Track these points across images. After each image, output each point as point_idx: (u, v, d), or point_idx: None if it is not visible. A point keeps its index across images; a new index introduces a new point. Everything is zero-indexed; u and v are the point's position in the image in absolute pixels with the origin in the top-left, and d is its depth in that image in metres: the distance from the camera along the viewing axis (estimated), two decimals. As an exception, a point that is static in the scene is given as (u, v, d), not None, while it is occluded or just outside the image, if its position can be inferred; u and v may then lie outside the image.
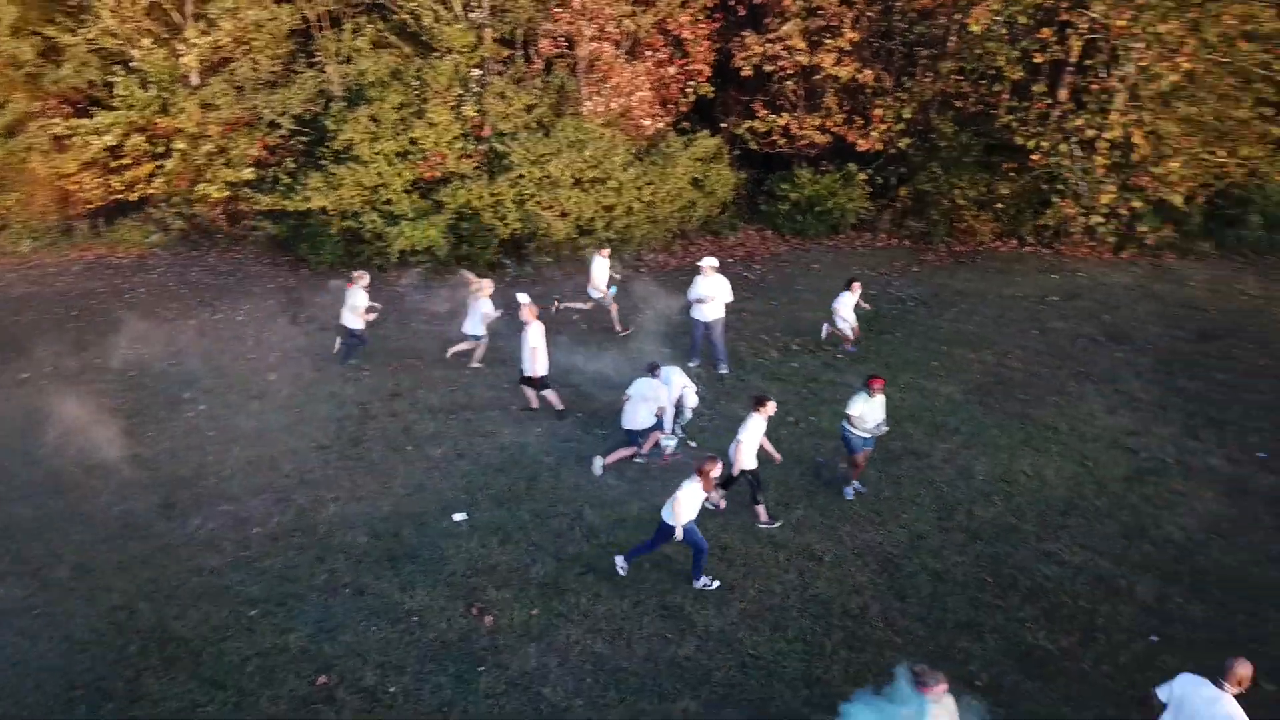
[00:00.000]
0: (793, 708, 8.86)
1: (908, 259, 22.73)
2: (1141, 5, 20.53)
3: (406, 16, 22.21)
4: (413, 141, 21.15)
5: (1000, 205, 23.63)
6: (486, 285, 15.87)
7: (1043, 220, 23.34)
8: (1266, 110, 22.30)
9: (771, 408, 11.63)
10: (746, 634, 9.80)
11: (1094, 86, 21.95)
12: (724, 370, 15.92)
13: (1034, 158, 22.38)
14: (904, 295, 20.16)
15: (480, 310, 15.59)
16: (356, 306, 15.88)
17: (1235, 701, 7.22)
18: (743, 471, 11.51)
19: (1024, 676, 9.27)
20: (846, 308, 16.72)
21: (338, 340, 16.37)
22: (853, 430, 11.94)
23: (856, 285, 16.89)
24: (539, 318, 14.03)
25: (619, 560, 10.69)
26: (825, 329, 17.06)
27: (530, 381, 14.11)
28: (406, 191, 21.27)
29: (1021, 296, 20.09)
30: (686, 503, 10.11)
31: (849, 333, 16.82)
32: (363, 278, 16.18)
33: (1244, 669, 7.26)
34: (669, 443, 13.11)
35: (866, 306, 17.31)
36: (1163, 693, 7.63)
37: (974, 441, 13.77)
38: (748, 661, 9.44)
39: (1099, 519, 11.94)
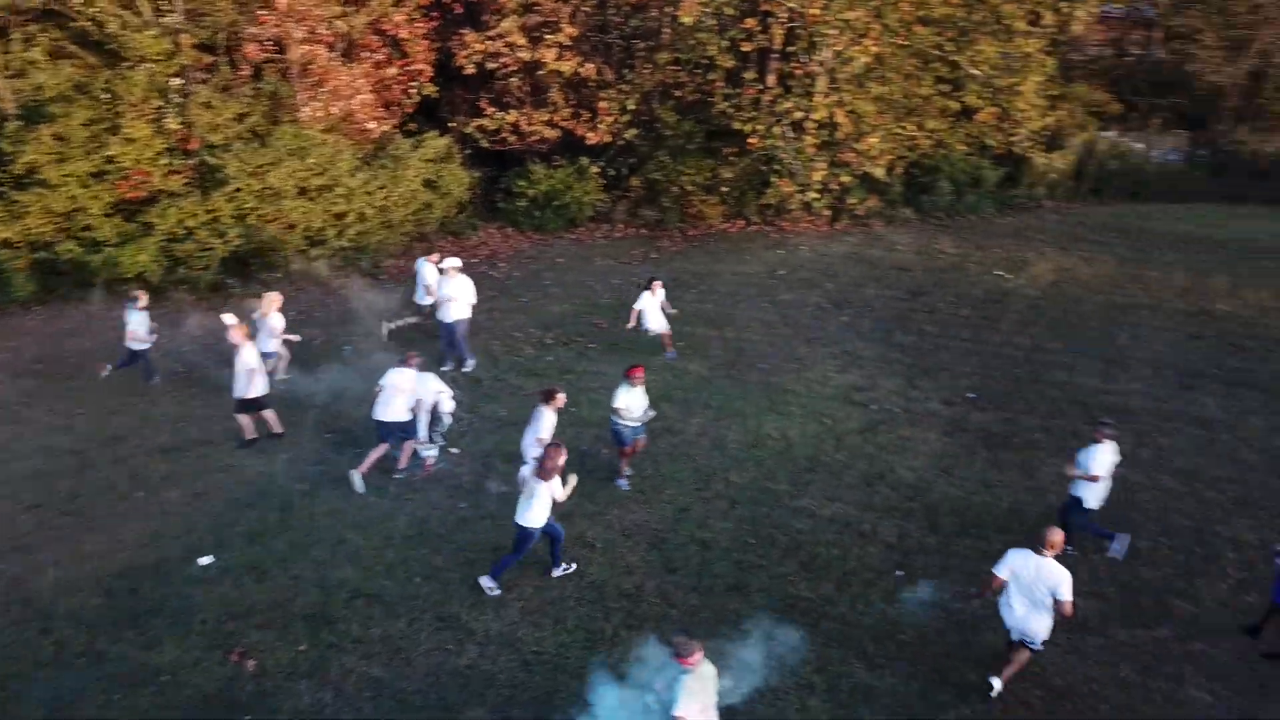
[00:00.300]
0: (580, 697, 8.88)
1: (645, 246, 23.41)
2: (832, -5, 22.19)
3: (87, 24, 20.19)
4: (109, 160, 19.26)
5: (725, 189, 24.86)
6: (271, 299, 14.94)
7: (765, 200, 24.79)
8: (944, 87, 24.87)
9: (561, 400, 11.63)
10: (527, 632, 9.72)
11: (798, 71, 23.51)
12: (469, 367, 15.71)
13: (751, 141, 23.68)
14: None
15: (269, 325, 14.67)
16: (136, 329, 14.96)
17: (1055, 561, 8.58)
18: None
19: (790, 626, 9.78)
20: (652, 310, 15.94)
21: (109, 367, 15.48)
22: (621, 421, 12.12)
23: (657, 284, 16.09)
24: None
25: (486, 581, 10.23)
26: (671, 353, 16.26)
27: (246, 406, 13.24)
28: (108, 215, 19.38)
29: (753, 273, 21.21)
30: (541, 502, 9.93)
31: (654, 330, 16.03)
32: (142, 297, 15.13)
33: (1055, 535, 8.65)
34: (429, 452, 12.76)
35: (673, 311, 16.65)
36: (1000, 570, 8.78)
37: (724, 414, 14.39)
38: (530, 659, 9.37)
39: (841, 470, 12.83)
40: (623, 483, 12.37)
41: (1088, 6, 26.24)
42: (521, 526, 10.02)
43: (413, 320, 17.27)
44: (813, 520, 11.68)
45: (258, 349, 13.68)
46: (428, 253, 17.49)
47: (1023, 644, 8.86)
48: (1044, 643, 8.83)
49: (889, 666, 9.30)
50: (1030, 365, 16.23)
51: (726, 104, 23.93)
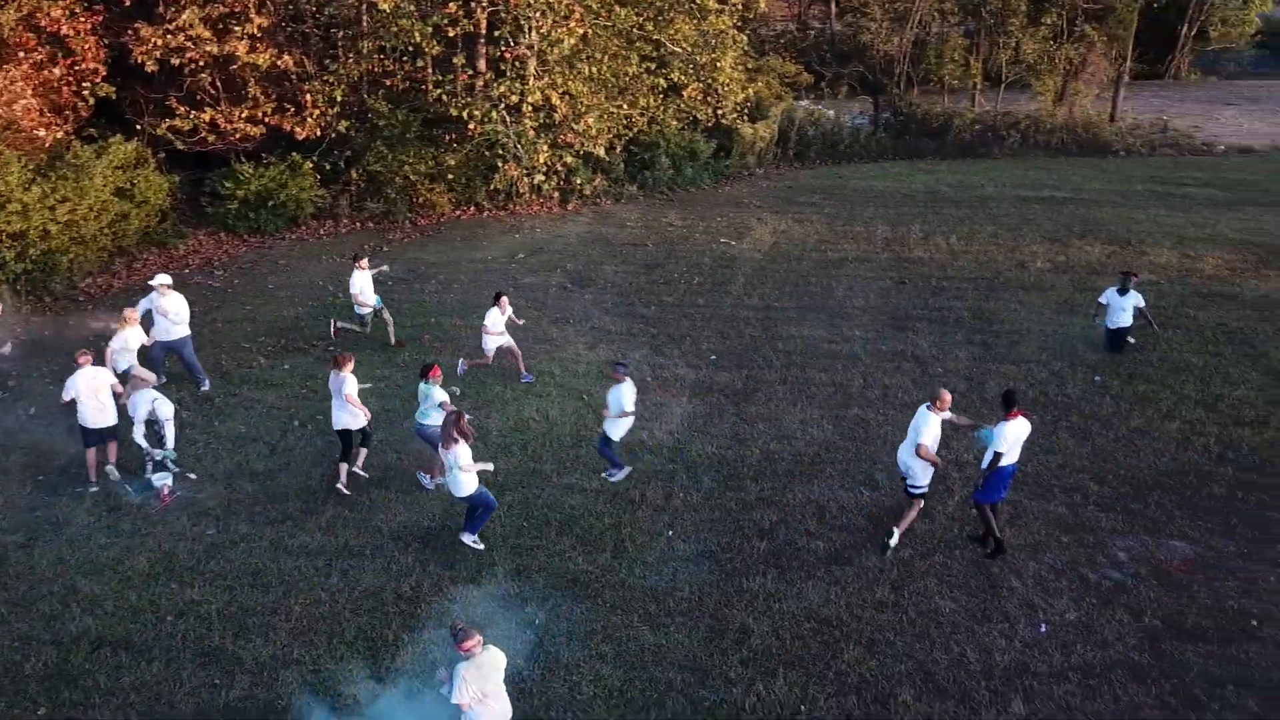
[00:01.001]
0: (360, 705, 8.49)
1: (375, 240, 22.56)
2: (533, -22, 22.24)
3: None
4: None
5: (451, 176, 24.40)
6: (128, 316, 13.52)
7: (493, 185, 24.59)
8: (650, 65, 25.74)
9: (352, 362, 11.84)
10: (302, 651, 9.14)
11: (508, 55, 23.42)
12: (205, 387, 14.51)
13: (470, 127, 23.38)
14: (380, 277, 19.95)
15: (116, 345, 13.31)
16: None
17: (930, 414, 10.39)
18: (344, 431, 11.82)
19: (574, 601, 9.84)
20: (495, 324, 14.58)
21: None
22: (430, 424, 11.61)
23: (504, 300, 14.67)
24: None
25: (467, 537, 10.61)
26: (461, 365, 14.90)
27: None
28: None
29: (491, 259, 21.02)
30: (467, 466, 10.16)
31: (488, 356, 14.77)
32: None
33: (945, 396, 10.51)
34: (163, 481, 11.63)
35: (519, 321, 15.46)
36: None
37: (482, 401, 14.18)
38: (308, 678, 8.83)
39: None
40: (426, 480, 12.01)
41: (775, -13, 28.10)
42: (467, 499, 10.46)
43: (354, 328, 16.55)
44: (583, 495, 11.79)
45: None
46: (356, 259, 16.32)
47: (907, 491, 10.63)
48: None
49: (672, 623, 9.58)
50: (763, 324, 17.20)
51: (440, 91, 23.48)
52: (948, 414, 10.65)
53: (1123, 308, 15.29)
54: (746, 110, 28.79)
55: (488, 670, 7.22)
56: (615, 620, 9.61)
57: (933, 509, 11.40)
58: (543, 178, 24.38)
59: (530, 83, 23.32)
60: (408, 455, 12.63)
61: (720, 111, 27.24)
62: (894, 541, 10.66)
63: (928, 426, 10.38)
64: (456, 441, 10.14)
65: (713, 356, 15.82)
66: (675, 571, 10.40)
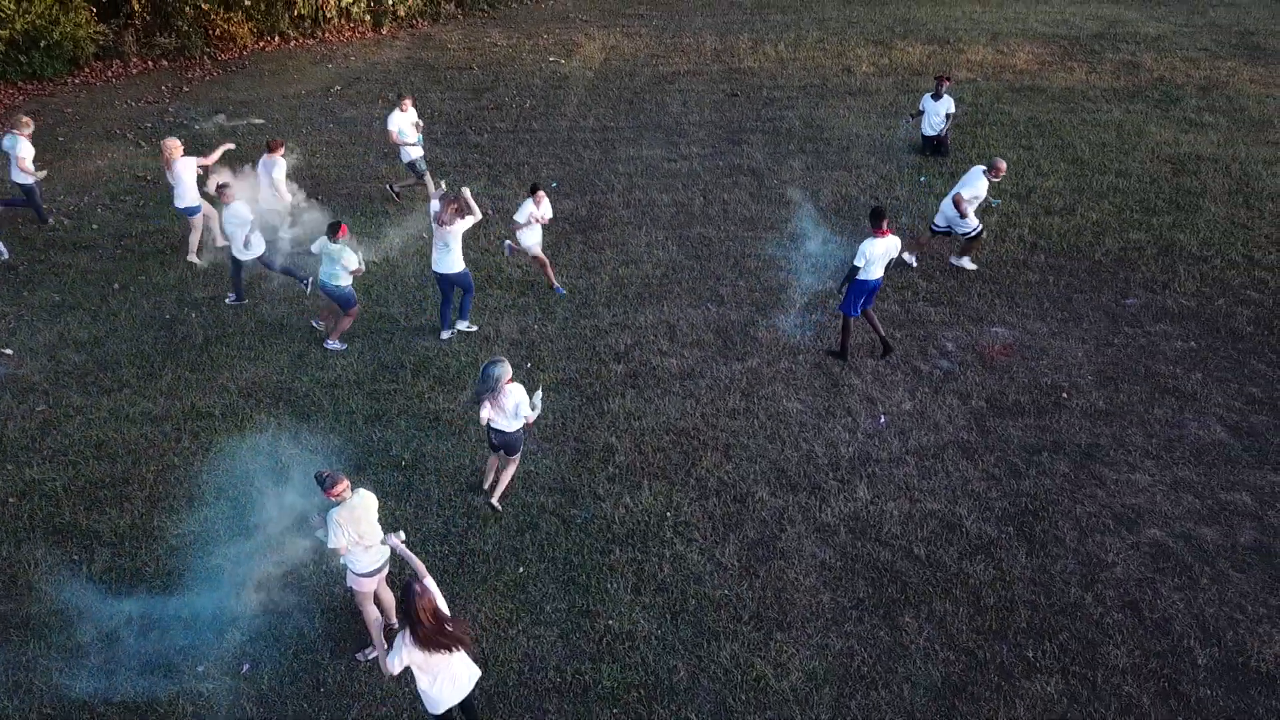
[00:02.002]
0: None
1: (174, 80, 20.65)
2: None
3: None
4: None
5: (249, 3, 22.32)
6: None
7: (298, 10, 22.71)
8: None
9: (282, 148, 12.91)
10: (163, 518, 8.91)
11: None
12: (4, 256, 13.30)
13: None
14: (183, 119, 18.43)
15: None
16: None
17: (984, 177, 12.24)
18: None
19: (439, 440, 9.90)
20: (524, 217, 12.00)
21: None
22: (335, 284, 11.00)
23: (541, 195, 12.00)
24: None
25: (462, 325, 11.52)
26: (508, 246, 12.65)
27: None
28: None
29: (305, 94, 19.66)
30: (455, 251, 10.99)
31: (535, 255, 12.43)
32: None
33: (1001, 165, 12.14)
34: (-27, 361, 10.79)
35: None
36: None
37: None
38: (173, 543, 8.66)
39: (450, 281, 12.79)
40: (333, 344, 11.48)
41: None
42: (441, 274, 11.13)
43: None
44: (435, 336, 11.64)
45: None
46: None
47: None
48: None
49: (539, 449, 9.81)
50: (601, 146, 16.95)
51: (226, -96, 21.16)
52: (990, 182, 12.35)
53: (936, 112, 15.80)
54: (564, -84, 27.27)
55: (360, 513, 7.23)
56: (482, 452, 9.75)
57: (775, 318, 11.87)
58: (351, 0, 22.65)
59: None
60: (256, 314, 12.08)
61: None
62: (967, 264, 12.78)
63: (977, 182, 12.22)
64: (448, 222, 10.78)
65: (554, 183, 15.55)
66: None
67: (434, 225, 11.04)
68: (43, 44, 20.15)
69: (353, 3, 22.76)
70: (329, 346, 11.45)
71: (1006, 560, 8.44)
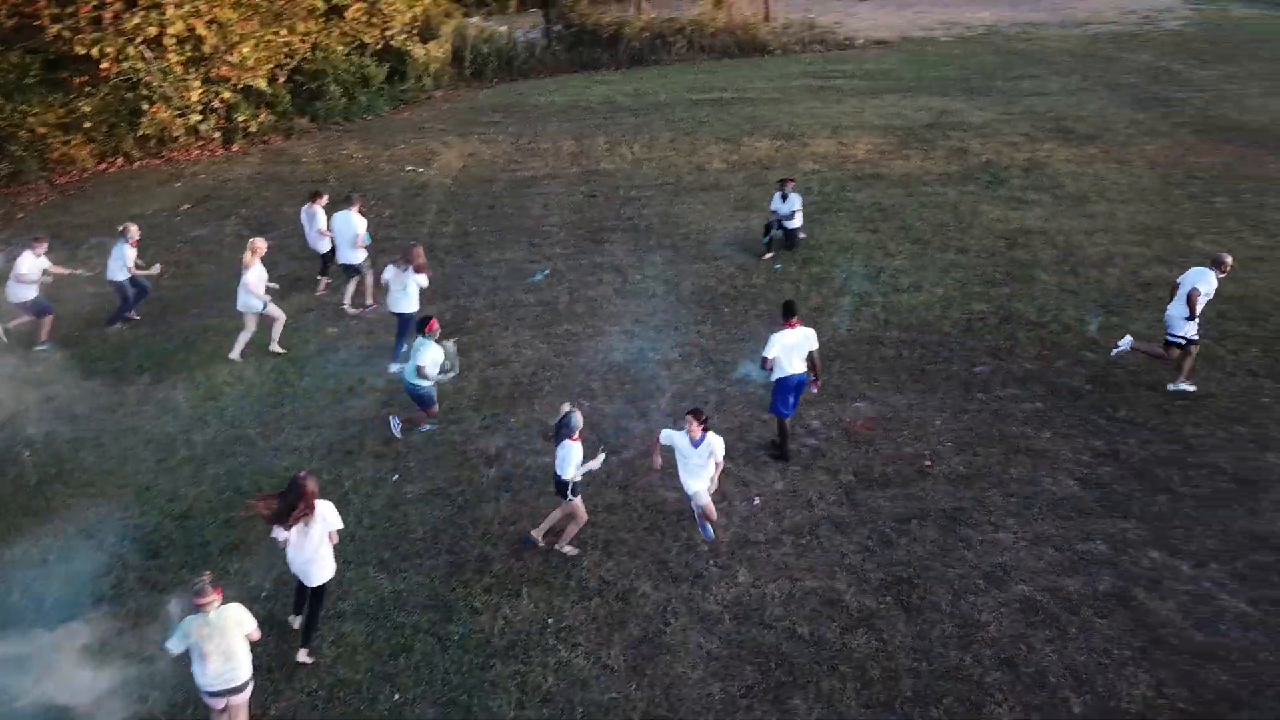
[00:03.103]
0: None
1: (5, 207, 19.75)
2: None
3: None
4: None
5: (90, 125, 21.70)
6: None
7: (142, 130, 22.17)
8: (307, -13, 23.95)
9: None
10: (-7, 683, 8.14)
11: (137, -20, 20.99)
12: None
13: (104, 67, 20.88)
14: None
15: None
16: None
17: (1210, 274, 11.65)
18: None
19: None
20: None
21: None
22: (423, 382, 11.08)
23: (433, 323, 11.37)
24: None
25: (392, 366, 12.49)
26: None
27: None
28: None
29: (153, 213, 19.08)
30: (411, 292, 12.39)
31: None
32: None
33: (1227, 260, 11.72)
34: None
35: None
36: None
37: (166, 373, 13.01)
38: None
39: (309, 397, 12.41)
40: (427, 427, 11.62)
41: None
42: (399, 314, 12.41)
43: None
44: (295, 455, 11.21)
45: None
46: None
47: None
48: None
49: (410, 566, 9.45)
50: (463, 251, 16.95)
51: (60, 26, 20.63)
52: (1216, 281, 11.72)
53: (785, 211, 16.12)
54: (416, 31, 27.71)
55: (215, 630, 6.92)
56: (349, 575, 9.32)
57: (647, 409, 11.92)
58: (199, 117, 22.31)
59: (169, 11, 21.04)
60: (87, 441, 11.38)
61: (389, 33, 26.01)
62: (1186, 385, 11.91)
63: (1204, 281, 11.61)
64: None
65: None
66: (406, 514, 10.22)
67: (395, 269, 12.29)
68: None
69: (201, 120, 22.39)
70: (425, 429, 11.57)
71: (887, 630, 8.51)
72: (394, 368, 12.63)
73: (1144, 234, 16.63)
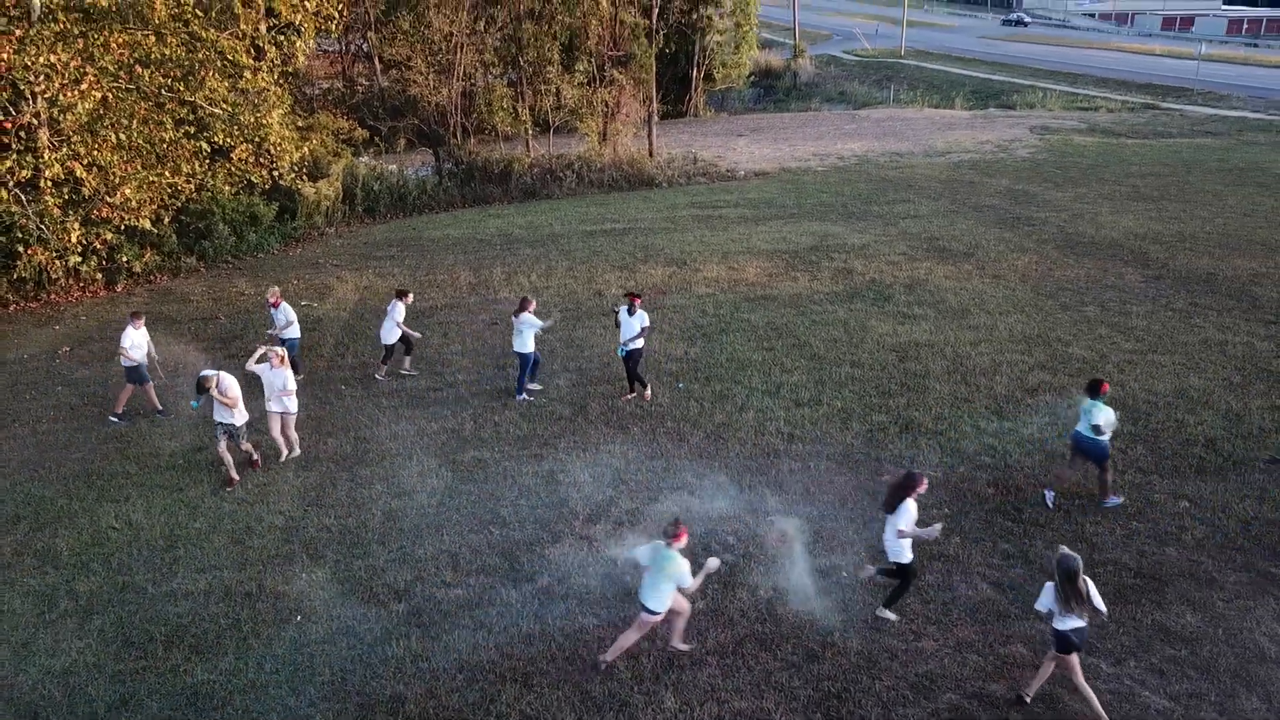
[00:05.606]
0: None
1: None
2: (22, 38, 19.59)
3: None
4: None
5: (-42, 268, 20.82)
6: None
7: (18, 274, 21.37)
8: (189, 128, 23.77)
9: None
10: None
11: (8, 125, 20.53)
12: None
13: (-22, 209, 20.20)
14: None
15: None
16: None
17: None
18: None
19: (198, 716, 8.75)
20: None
21: None
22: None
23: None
24: None
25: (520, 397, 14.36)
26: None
27: None
28: None
29: (30, 358, 18.22)
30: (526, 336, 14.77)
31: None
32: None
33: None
34: None
35: None
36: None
37: (43, 521, 12.20)
38: None
39: (204, 539, 11.77)
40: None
41: (304, 40, 27.21)
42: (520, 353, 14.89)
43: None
44: (190, 600, 10.53)
45: None
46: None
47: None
48: None
49: (316, 712, 8.87)
50: (361, 382, 16.63)
51: (-72, 170, 19.99)
52: None
53: (632, 328, 15.80)
54: (305, 169, 27.80)
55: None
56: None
57: (560, 533, 11.69)
58: (79, 259, 21.65)
59: (46, 155, 20.61)
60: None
61: (277, 172, 25.99)
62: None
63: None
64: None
65: (315, 424, 14.97)
66: (311, 657, 9.65)
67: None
68: None
69: (81, 262, 21.71)
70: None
71: (821, 748, 8.33)
72: (520, 398, 15.50)
73: (1025, 342, 17.55)
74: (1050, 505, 12.13)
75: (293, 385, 13.51)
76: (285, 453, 13.72)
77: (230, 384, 12.81)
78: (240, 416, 13.02)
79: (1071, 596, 8.38)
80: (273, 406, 13.51)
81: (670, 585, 9.05)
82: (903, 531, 9.63)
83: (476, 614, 10.25)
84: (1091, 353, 16.98)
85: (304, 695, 9.11)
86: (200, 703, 8.96)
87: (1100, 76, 62.88)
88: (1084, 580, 8.44)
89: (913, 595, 10.38)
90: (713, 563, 9.28)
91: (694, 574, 9.04)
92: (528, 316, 15.13)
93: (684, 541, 9.04)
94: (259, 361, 13.56)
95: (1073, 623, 8.48)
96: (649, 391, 15.52)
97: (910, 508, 9.64)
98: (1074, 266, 22.27)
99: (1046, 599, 8.59)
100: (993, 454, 13.45)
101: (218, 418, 13.00)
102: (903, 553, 9.80)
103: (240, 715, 8.82)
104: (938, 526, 9.75)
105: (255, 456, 13.45)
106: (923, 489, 9.74)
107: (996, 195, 30.46)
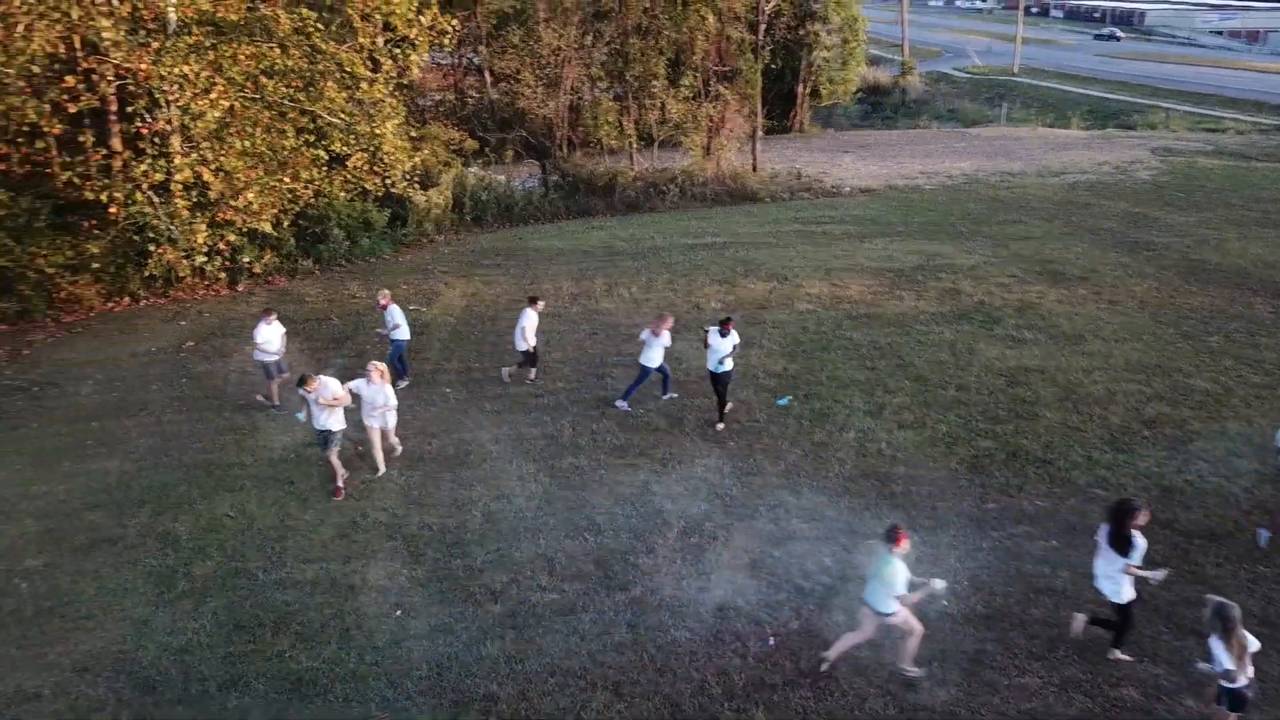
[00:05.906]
0: None
1: (12, 343, 19.80)
2: (159, 49, 20.67)
3: None
4: None
5: (98, 265, 22.01)
6: None
7: (149, 271, 22.50)
8: (309, 137, 24.73)
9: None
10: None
11: (145, 131, 21.65)
12: None
13: (112, 211, 21.37)
14: (20, 383, 17.54)
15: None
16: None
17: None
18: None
19: (302, 703, 9.05)
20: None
21: None
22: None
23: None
24: None
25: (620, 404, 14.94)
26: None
27: None
28: None
29: (156, 350, 19.16)
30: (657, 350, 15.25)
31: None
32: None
33: None
34: None
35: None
36: None
37: (166, 505, 12.79)
38: None
39: (313, 530, 12.17)
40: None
41: (418, 54, 27.99)
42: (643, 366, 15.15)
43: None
44: (297, 589, 10.92)
45: None
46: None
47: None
48: None
49: (412, 704, 9.07)
50: (465, 386, 16.98)
51: (70, 173, 21.24)
52: None
53: (722, 349, 14.86)
54: (416, 178, 28.56)
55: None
56: (351, 714, 8.95)
57: (654, 544, 11.70)
58: (204, 259, 22.69)
59: (177, 160, 21.67)
60: (86, 572, 11.05)
61: (389, 181, 26.78)
62: None
63: None
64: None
65: (420, 425, 15.36)
66: (410, 651, 9.89)
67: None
68: None
69: (206, 261, 22.76)
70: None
71: (916, 778, 8.13)
72: (620, 404, 15.80)
73: (1143, 372, 16.86)
74: (1263, 545, 11.53)
75: (394, 400, 13.46)
76: (383, 469, 13.68)
77: (331, 386, 12.82)
78: (337, 423, 12.96)
79: (1233, 648, 7.86)
80: (372, 422, 13.48)
81: (888, 589, 8.96)
82: (1130, 569, 9.11)
83: (570, 619, 10.35)
84: (1215, 385, 16.22)
85: (401, 688, 9.33)
86: (304, 689, 9.27)
87: (1228, 97, 60.19)
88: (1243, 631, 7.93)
89: (1017, 629, 10.07)
90: (938, 584, 9.06)
91: (913, 588, 8.91)
92: (667, 334, 15.68)
93: (904, 546, 8.95)
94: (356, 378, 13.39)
95: (1244, 678, 7.95)
96: (728, 407, 15.29)
97: (1140, 542, 9.11)
98: (1197, 294, 21.33)
99: (1221, 655, 7.90)
100: (1106, 486, 12.95)
101: (316, 425, 13.01)
102: (1122, 591, 9.31)
103: (340, 703, 9.08)
104: (1162, 571, 9.19)
105: (340, 483, 13.13)
106: (1144, 520, 9.16)
107: (1114, 218, 29.40)
